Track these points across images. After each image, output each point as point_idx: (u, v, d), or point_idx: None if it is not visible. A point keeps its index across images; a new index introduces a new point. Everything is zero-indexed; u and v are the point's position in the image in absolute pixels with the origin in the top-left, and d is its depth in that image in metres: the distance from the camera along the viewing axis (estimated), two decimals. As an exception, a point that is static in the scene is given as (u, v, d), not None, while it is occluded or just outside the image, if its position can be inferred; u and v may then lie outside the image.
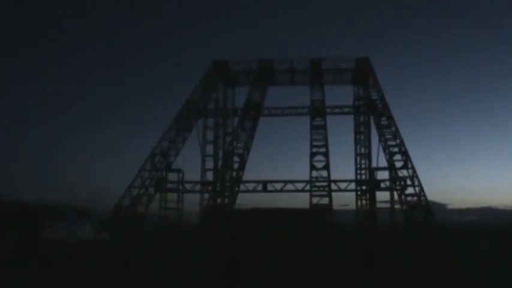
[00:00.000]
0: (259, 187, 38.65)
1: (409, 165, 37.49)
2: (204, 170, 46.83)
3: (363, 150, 46.90)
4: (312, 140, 39.00)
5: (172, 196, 41.18)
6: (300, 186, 37.86)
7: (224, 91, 49.59)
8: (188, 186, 41.54)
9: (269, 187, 38.68)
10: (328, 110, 44.63)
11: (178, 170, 40.87)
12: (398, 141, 38.86)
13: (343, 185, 38.81)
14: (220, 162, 45.43)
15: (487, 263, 32.37)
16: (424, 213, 36.07)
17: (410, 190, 36.85)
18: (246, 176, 38.97)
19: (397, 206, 38.70)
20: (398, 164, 37.82)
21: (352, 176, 45.62)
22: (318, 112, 41.98)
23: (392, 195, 39.62)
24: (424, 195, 36.48)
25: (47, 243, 36.25)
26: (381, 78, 43.92)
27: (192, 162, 47.88)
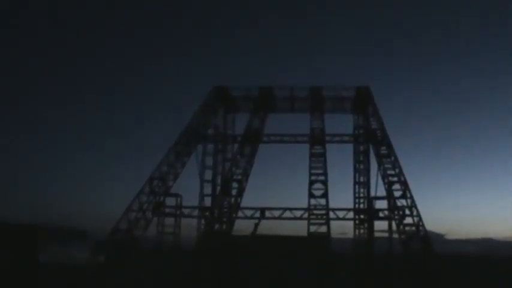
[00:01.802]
0: (257, 214, 38.54)
1: (408, 195, 37.34)
2: (202, 195, 46.74)
3: (361, 179, 46.91)
4: (311, 167, 39.01)
5: (169, 221, 41.14)
6: (298, 213, 37.79)
7: (224, 117, 49.78)
8: (186, 211, 41.47)
9: (267, 214, 38.56)
10: (327, 138, 44.72)
11: (177, 195, 40.82)
12: (397, 170, 38.81)
13: (341, 214, 38.69)
14: (218, 188, 45.44)
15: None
16: (423, 243, 35.86)
17: (408, 220, 36.61)
18: (244, 202, 38.86)
19: (395, 236, 38.55)
20: (397, 194, 37.67)
21: (350, 205, 45.52)
22: (317, 140, 42.07)
23: (390, 225, 39.49)
24: (423, 225, 36.29)
25: (42, 265, 35.97)
26: (381, 107, 44.17)
27: (190, 188, 47.82)
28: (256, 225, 38.92)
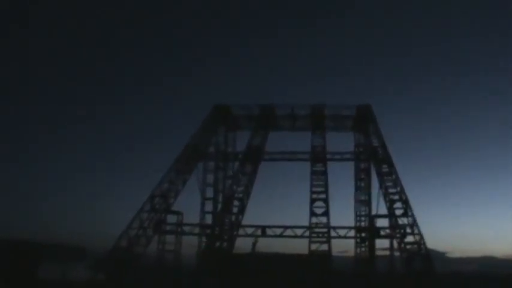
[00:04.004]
0: (258, 232, 38.54)
1: (409, 213, 37.29)
2: (203, 212, 46.59)
3: (363, 197, 46.72)
4: (312, 185, 39.05)
5: (170, 238, 41.08)
6: (299, 232, 37.77)
7: (225, 135, 49.77)
8: (187, 228, 41.46)
9: (268, 232, 38.58)
10: (328, 156, 44.75)
11: (177, 212, 40.78)
12: (398, 188, 38.77)
13: (342, 232, 38.68)
14: (219, 206, 45.33)
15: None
16: (424, 261, 35.73)
17: (410, 238, 36.62)
18: (245, 220, 38.85)
19: (396, 254, 38.46)
20: (398, 212, 37.66)
21: (351, 223, 45.36)
22: (318, 158, 42.11)
23: (391, 243, 39.42)
24: (424, 244, 36.22)
25: (41, 282, 35.82)
26: (381, 125, 44.15)
27: (191, 205, 47.66)
28: (254, 243, 38.89)
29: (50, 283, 35.55)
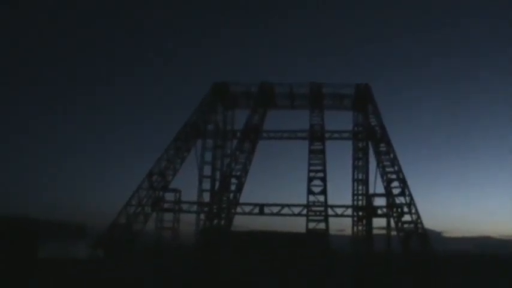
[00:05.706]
0: (256, 210, 38.69)
1: (407, 193, 37.32)
2: (201, 190, 46.71)
3: (360, 176, 46.84)
4: (310, 164, 39.04)
5: (168, 216, 41.25)
6: (296, 210, 37.93)
7: (224, 113, 49.70)
8: (185, 206, 41.59)
9: (266, 210, 38.72)
10: (327, 135, 44.70)
11: (176, 190, 40.88)
12: (396, 168, 38.81)
13: (340, 210, 38.86)
14: (217, 184, 45.46)
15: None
16: (421, 241, 35.88)
17: (407, 217, 36.61)
18: (243, 198, 38.94)
19: (393, 233, 38.64)
20: (395, 191, 37.67)
21: (349, 202, 45.56)
22: (316, 137, 42.06)
23: (388, 222, 39.57)
24: (421, 223, 36.30)
25: (41, 260, 35.99)
26: (380, 105, 44.11)
27: (189, 183, 47.81)
28: None
29: (51, 261, 35.72)
